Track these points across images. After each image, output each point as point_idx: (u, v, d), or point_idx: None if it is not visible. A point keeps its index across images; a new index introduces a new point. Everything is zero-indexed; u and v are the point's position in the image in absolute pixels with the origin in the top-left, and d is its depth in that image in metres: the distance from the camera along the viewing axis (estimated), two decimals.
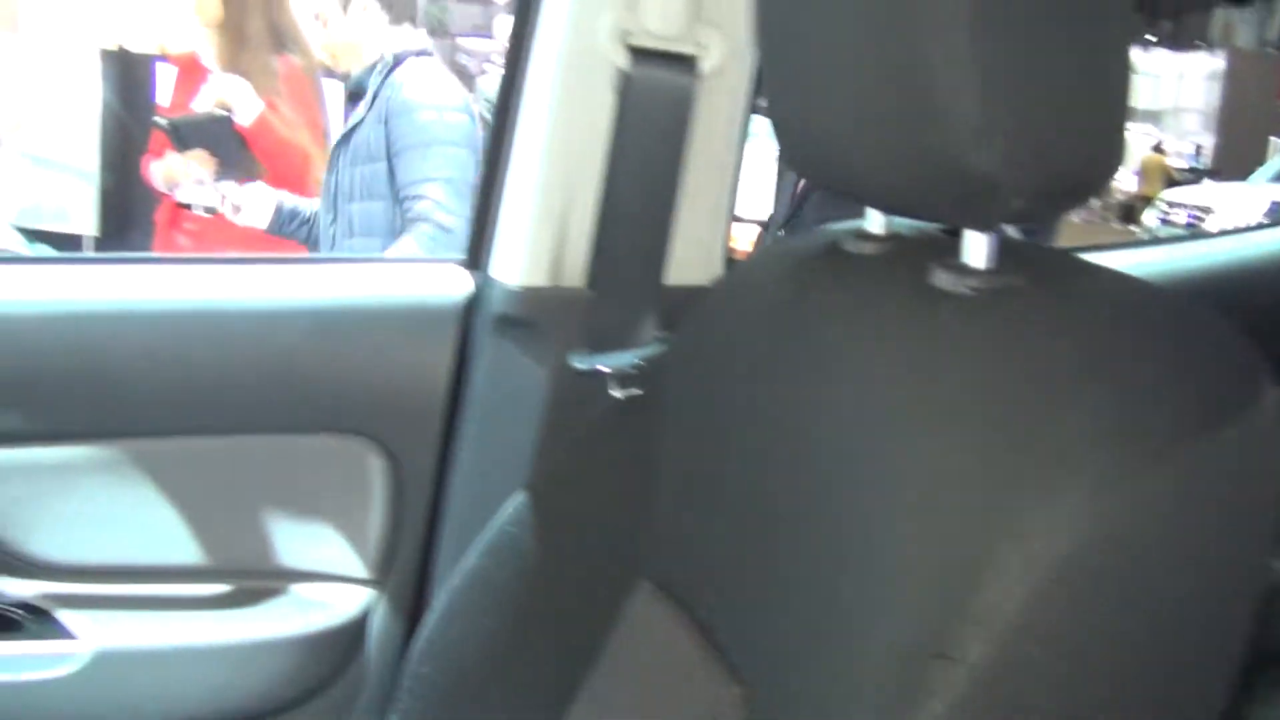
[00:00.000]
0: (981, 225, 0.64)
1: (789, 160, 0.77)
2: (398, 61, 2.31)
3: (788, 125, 0.74)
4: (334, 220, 2.38)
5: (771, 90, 0.75)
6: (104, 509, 1.14)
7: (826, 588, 0.64)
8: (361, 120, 2.31)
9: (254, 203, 2.58)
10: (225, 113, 2.71)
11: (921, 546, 0.58)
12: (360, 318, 1.19)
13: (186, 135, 2.70)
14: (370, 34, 2.37)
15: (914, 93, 0.60)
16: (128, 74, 4.73)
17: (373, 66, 2.32)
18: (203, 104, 2.73)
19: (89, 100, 4.84)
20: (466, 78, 6.35)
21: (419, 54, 2.36)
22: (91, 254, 1.21)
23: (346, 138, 2.36)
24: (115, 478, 1.13)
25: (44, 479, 1.13)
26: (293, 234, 2.54)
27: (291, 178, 2.88)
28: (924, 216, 0.72)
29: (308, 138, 2.90)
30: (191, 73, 3.04)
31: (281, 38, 2.97)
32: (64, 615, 1.13)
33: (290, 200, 2.55)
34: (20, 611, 1.13)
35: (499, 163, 1.11)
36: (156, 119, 2.88)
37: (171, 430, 1.15)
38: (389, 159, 2.26)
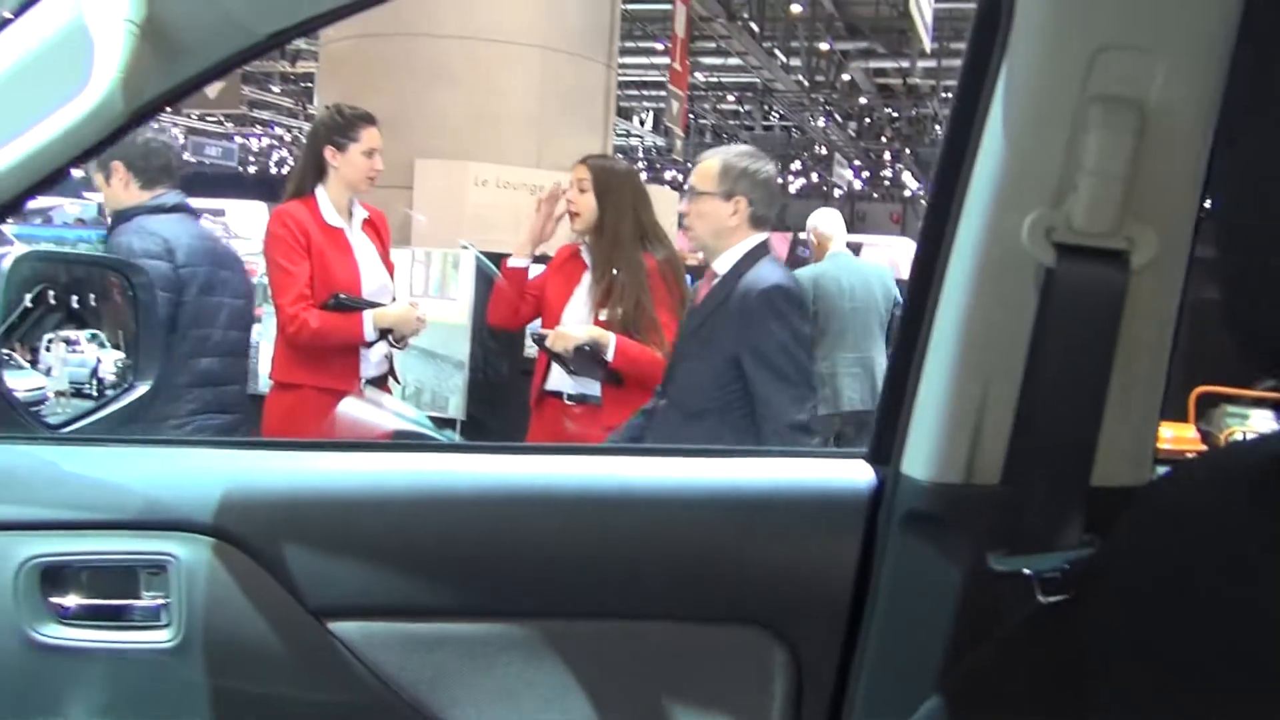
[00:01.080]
0: None
1: (1257, 358, 0.72)
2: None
3: (1260, 329, 0.69)
4: None
5: (1238, 290, 0.71)
6: (516, 684, 1.19)
7: None
8: None
9: None
10: (591, 348, 3.02)
11: None
12: (765, 508, 1.20)
13: (559, 354, 3.08)
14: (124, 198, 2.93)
15: None
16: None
17: None
18: (579, 331, 3.07)
19: (465, 298, 5.35)
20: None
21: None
22: (518, 443, 1.29)
23: None
24: (529, 655, 1.19)
25: (466, 652, 1.20)
26: None
27: (646, 380, 3.05)
28: None
29: (663, 340, 3.06)
30: (571, 266, 3.30)
31: (646, 236, 3.19)
32: None
33: None
34: None
35: (910, 358, 1.11)
36: (537, 334, 3.16)
37: (581, 612, 1.20)
38: None
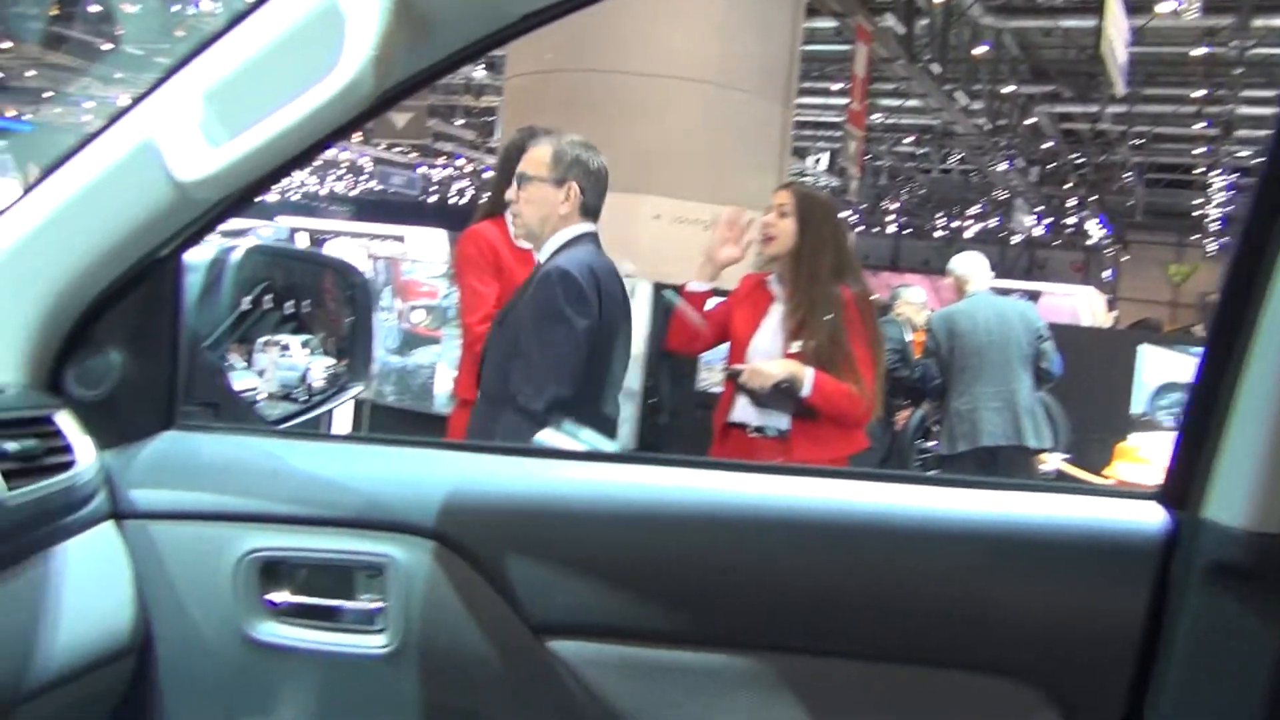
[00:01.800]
0: None
1: None
2: None
3: None
4: None
5: None
6: None
7: None
8: None
9: None
10: (788, 385, 2.93)
11: None
12: (1038, 548, 1.08)
13: (752, 391, 3.00)
14: None
15: None
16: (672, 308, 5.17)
17: None
18: (776, 368, 2.95)
19: (639, 328, 5.33)
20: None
21: None
22: (761, 463, 1.16)
23: None
24: (761, 691, 1.09)
25: (693, 683, 1.11)
26: None
27: (841, 417, 3.00)
28: None
29: (858, 375, 2.94)
30: (758, 296, 3.21)
31: (842, 268, 3.08)
32: None
33: None
34: None
35: (1216, 392, 0.98)
36: (731, 369, 3.07)
37: (822, 649, 1.10)
38: None
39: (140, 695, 1.20)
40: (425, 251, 13.49)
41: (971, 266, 5.38)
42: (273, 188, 1.15)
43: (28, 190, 1.16)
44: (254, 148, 0.99)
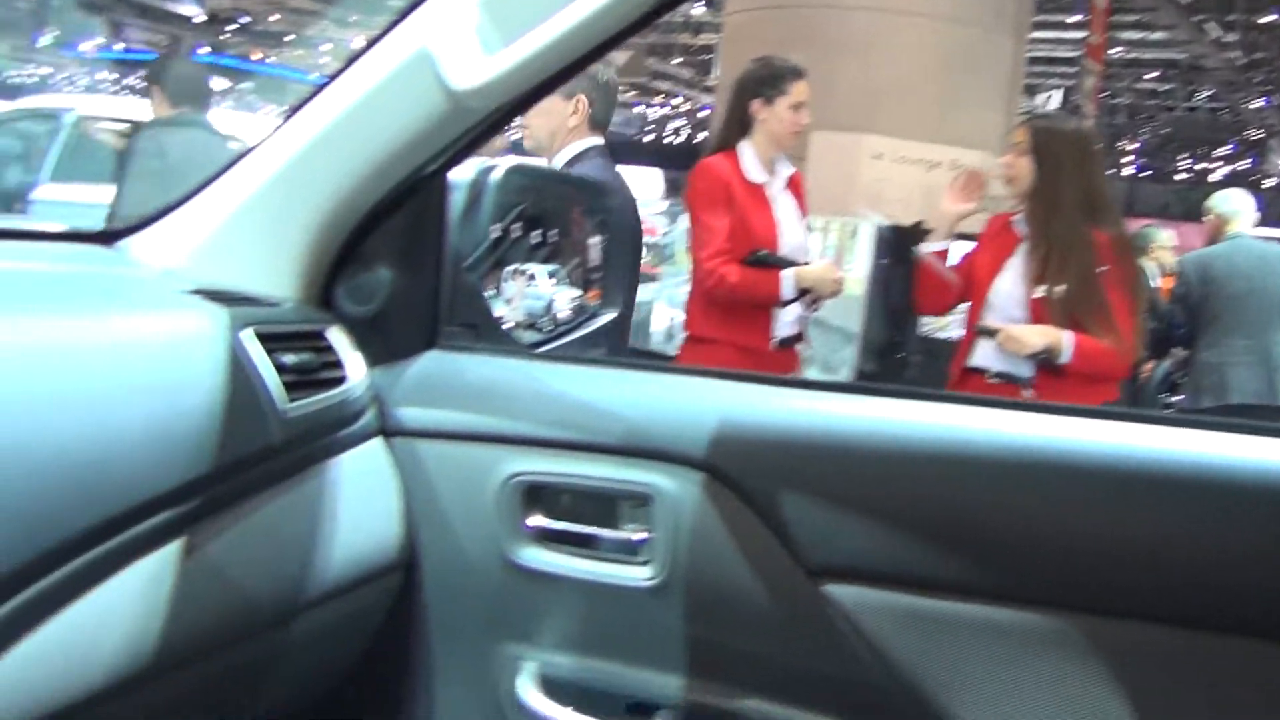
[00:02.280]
0: None
1: None
2: None
3: None
4: None
5: None
6: (1043, 687, 1.01)
7: None
8: None
9: None
10: (1046, 354, 2.76)
11: None
12: None
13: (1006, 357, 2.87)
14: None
15: None
16: (898, 249, 5.00)
17: None
18: (1035, 338, 2.79)
19: (861, 269, 5.17)
20: None
21: None
22: (1069, 405, 1.04)
23: None
24: (1064, 655, 1.00)
25: (984, 639, 1.03)
26: None
27: (1096, 374, 2.80)
28: None
29: (1112, 323, 2.73)
30: (1003, 238, 3.03)
31: (1094, 206, 2.86)
32: None
33: None
34: None
35: None
36: (987, 328, 2.90)
37: (1139, 613, 0.99)
38: None
39: (405, 612, 1.21)
40: (642, 190, 13.55)
41: (1236, 205, 4.89)
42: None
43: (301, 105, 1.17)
44: (530, 54, 0.96)
